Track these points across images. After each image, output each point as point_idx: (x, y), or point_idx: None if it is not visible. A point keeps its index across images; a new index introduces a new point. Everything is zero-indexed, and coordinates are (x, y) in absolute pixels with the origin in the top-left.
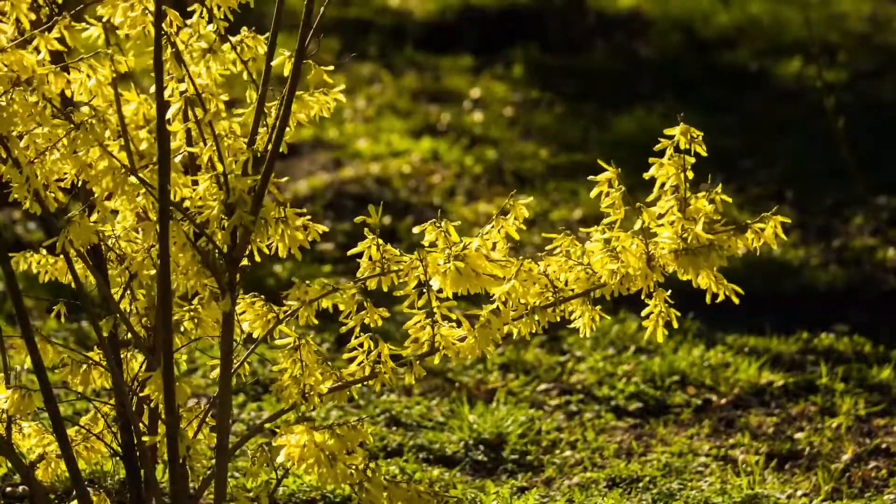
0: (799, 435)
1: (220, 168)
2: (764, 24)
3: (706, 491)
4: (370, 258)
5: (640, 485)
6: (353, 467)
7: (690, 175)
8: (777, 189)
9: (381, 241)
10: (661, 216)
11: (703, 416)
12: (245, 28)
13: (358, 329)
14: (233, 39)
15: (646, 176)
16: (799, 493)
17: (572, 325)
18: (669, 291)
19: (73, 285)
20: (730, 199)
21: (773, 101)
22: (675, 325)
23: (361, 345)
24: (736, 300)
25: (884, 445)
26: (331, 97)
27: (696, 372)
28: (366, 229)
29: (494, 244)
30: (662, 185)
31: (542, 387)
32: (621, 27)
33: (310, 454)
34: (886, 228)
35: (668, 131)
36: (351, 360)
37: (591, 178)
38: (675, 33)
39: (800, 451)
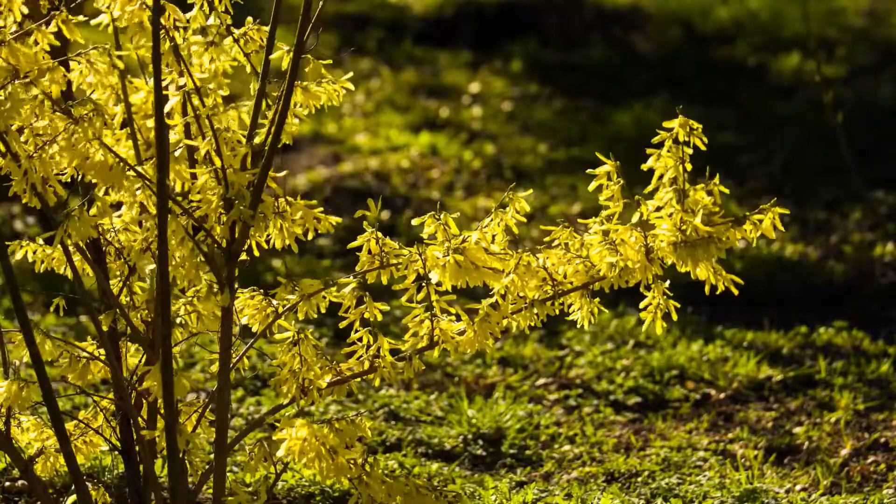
0: (798, 429)
1: (218, 162)
2: (762, 19)
3: (705, 485)
4: (369, 251)
5: (639, 479)
6: (352, 461)
7: (689, 167)
8: (775, 184)
9: (380, 235)
10: (659, 209)
11: (701, 410)
12: (250, 19)
13: (357, 323)
14: (236, 32)
15: (644, 167)
16: (798, 487)
17: (571, 318)
18: (668, 283)
19: (70, 276)
20: (727, 191)
21: (771, 95)
22: (675, 317)
23: (361, 339)
24: (735, 291)
25: (882, 440)
26: (339, 86)
27: (695, 366)
28: (364, 223)
29: (493, 237)
30: (661, 176)
31: (541, 381)
32: (619, 22)
33: (311, 448)
34: (885, 223)
35: (666, 123)
36: (350, 354)
37: (590, 171)
38: (674, 28)
39: (798, 445)
